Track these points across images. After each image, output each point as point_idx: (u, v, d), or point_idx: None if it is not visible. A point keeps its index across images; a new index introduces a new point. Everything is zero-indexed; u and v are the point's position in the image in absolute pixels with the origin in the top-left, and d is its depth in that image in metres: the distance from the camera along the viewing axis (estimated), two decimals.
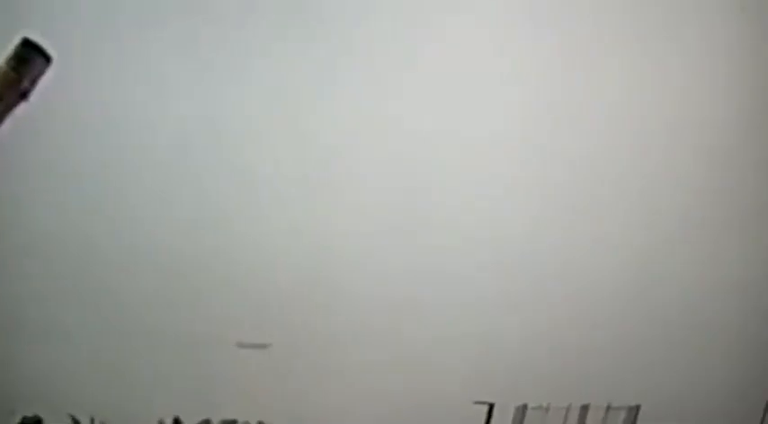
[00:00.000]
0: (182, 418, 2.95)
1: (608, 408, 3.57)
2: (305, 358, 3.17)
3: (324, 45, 2.89)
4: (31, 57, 1.28)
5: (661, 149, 3.15)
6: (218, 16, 2.80)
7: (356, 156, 3.05)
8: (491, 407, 3.39)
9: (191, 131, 2.93)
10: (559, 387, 3.48)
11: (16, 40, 1.27)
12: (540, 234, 3.25)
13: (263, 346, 3.20)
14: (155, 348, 2.99)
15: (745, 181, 3.31)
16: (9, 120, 1.28)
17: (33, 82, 1.29)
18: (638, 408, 3.59)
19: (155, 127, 2.88)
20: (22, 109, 1.26)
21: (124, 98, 2.83)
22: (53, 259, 2.85)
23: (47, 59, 1.30)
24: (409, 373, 3.31)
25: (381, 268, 3.14)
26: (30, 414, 2.84)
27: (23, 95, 1.28)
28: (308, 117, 2.97)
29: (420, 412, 3.32)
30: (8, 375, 2.87)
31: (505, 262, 3.26)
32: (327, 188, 3.03)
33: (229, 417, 3.04)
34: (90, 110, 2.82)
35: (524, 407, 3.46)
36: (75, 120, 2.86)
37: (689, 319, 3.58)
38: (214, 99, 2.86)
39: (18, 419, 2.85)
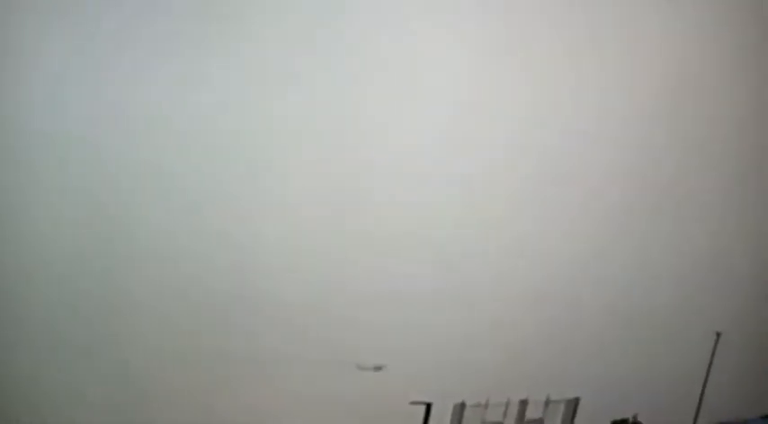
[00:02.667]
0: None
1: (547, 401, 3.51)
2: (239, 361, 2.99)
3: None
4: None
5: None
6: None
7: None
8: (428, 406, 3.28)
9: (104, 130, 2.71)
10: (498, 383, 3.39)
11: None
12: (472, 233, 3.15)
13: (379, 368, 3.16)
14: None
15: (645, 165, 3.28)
16: None
17: None
18: (577, 400, 3.55)
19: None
20: None
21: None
22: None
23: None
24: (345, 375, 3.17)
25: (312, 267, 2.98)
26: None
27: None
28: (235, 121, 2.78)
29: (356, 415, 3.19)
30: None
31: (440, 261, 3.15)
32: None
33: None
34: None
35: (462, 405, 3.37)
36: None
37: (624, 313, 3.55)
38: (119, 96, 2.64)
39: None
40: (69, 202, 2.66)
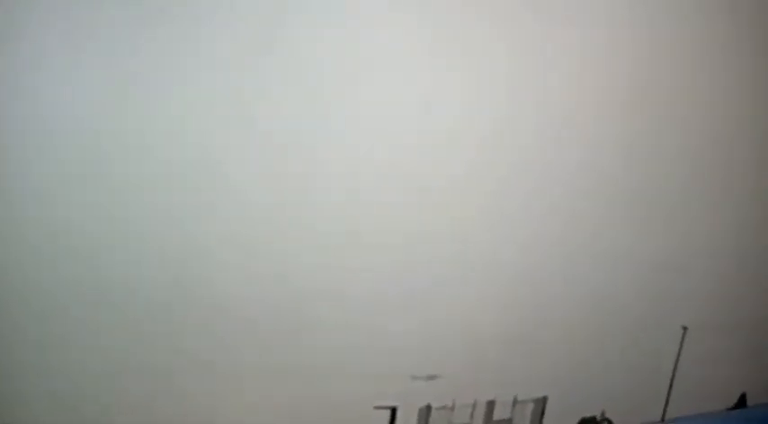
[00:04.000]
0: None
1: (515, 401, 3.45)
2: (198, 363, 2.86)
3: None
4: None
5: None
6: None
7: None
8: (393, 410, 3.19)
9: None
10: (464, 385, 3.32)
11: None
12: (435, 233, 3.06)
13: (432, 377, 3.16)
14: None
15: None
16: None
17: None
18: (545, 399, 3.51)
19: None
20: None
21: None
22: None
23: None
24: (306, 379, 3.06)
25: (274, 268, 2.86)
26: None
27: None
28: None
29: (319, 421, 3.08)
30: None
31: (401, 261, 3.05)
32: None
33: None
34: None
35: (428, 407, 3.29)
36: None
37: (591, 310, 3.50)
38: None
39: None
40: None
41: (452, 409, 3.30)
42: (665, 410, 3.85)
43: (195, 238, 2.66)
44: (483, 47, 2.92)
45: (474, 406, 3.35)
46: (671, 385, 3.82)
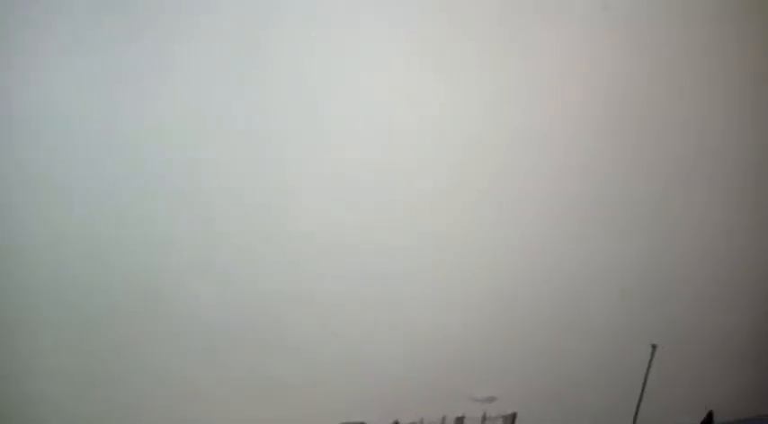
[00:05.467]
0: None
1: (484, 418, 3.44)
2: (157, 376, 2.81)
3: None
4: None
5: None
6: None
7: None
8: None
9: None
10: (433, 401, 3.30)
11: None
12: (400, 243, 3.03)
13: (492, 399, 3.18)
14: None
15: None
16: None
17: None
18: (514, 416, 3.50)
19: None
20: None
21: None
22: None
23: None
24: (271, 396, 3.01)
25: (233, 281, 2.82)
26: None
27: None
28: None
29: None
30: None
31: (367, 271, 3.02)
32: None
33: None
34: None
35: None
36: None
37: (560, 327, 3.50)
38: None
39: None
40: None
41: None
42: None
43: (159, 240, 2.62)
44: (463, 58, 2.91)
45: (443, 422, 3.33)
46: (639, 403, 3.81)
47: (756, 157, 3.71)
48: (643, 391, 3.80)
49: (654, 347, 3.72)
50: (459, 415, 3.40)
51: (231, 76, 2.59)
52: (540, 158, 3.22)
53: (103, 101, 2.42)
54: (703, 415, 4.05)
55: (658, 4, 3.24)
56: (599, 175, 3.37)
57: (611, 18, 3.17)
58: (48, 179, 2.44)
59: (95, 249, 2.63)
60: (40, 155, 2.43)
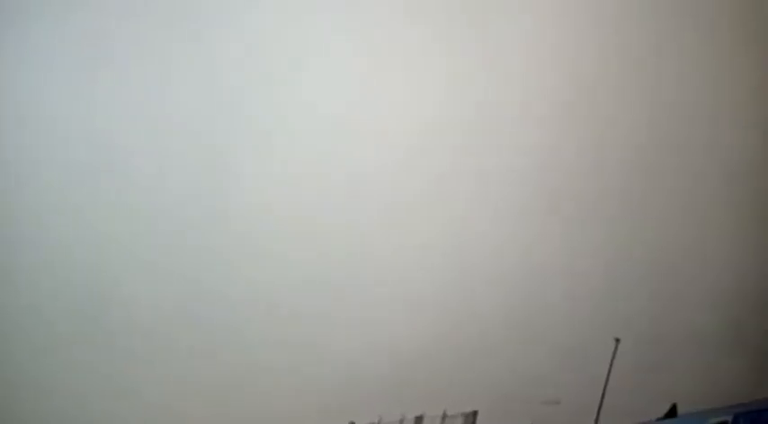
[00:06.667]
0: None
1: (444, 416, 3.36)
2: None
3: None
4: None
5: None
6: None
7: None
8: None
9: None
10: (391, 401, 3.20)
11: None
12: (356, 236, 2.93)
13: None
14: None
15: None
16: None
17: None
18: (475, 413, 3.43)
19: None
20: None
21: None
22: None
23: None
24: (224, 399, 2.90)
25: (176, 274, 2.69)
26: None
27: None
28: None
29: None
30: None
31: (320, 268, 2.91)
32: None
33: None
34: None
35: None
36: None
37: (521, 322, 3.43)
38: None
39: None
40: None
41: None
42: (596, 422, 3.81)
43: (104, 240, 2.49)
44: (420, 44, 2.81)
45: (402, 422, 3.25)
46: (602, 397, 3.78)
47: (725, 146, 3.67)
48: (606, 385, 3.77)
49: (617, 340, 3.69)
50: (419, 414, 3.31)
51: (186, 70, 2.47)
52: (501, 151, 3.14)
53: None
54: (667, 408, 4.04)
55: None
56: (560, 168, 3.30)
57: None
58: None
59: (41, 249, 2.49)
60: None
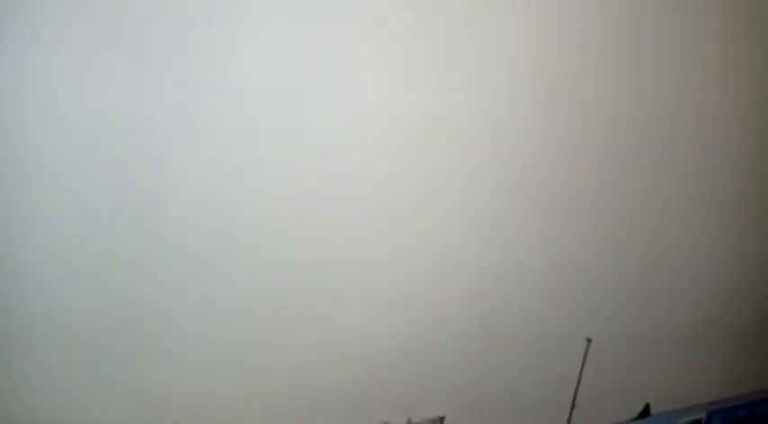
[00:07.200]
0: None
1: (409, 422, 3.23)
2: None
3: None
4: None
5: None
6: None
7: None
8: None
9: None
10: (354, 407, 3.07)
11: None
12: (313, 238, 2.78)
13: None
14: None
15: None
16: None
17: None
18: (441, 419, 3.30)
19: None
20: None
21: None
22: None
23: None
24: (173, 403, 2.74)
25: (109, 277, 2.51)
26: None
27: None
28: None
29: None
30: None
31: (275, 271, 2.75)
32: None
33: None
34: None
35: None
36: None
37: (489, 322, 3.31)
38: None
39: None
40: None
41: None
42: (568, 423, 3.74)
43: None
44: (403, 31, 2.65)
45: None
46: (575, 398, 3.71)
47: (705, 145, 3.60)
48: (578, 385, 3.70)
49: (589, 341, 3.62)
50: (384, 421, 3.18)
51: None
52: (486, 151, 3.01)
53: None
54: (640, 408, 4.01)
55: None
56: (541, 167, 3.19)
57: None
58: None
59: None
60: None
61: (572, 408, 3.72)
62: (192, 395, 2.67)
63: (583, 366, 3.65)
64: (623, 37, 3.15)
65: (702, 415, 4.19)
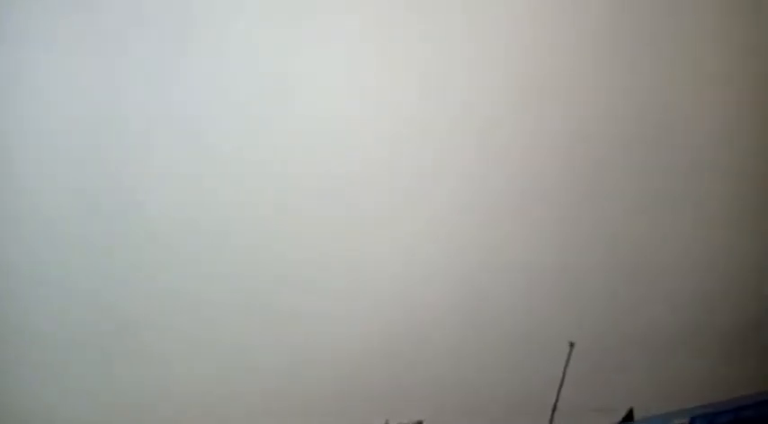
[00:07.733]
0: None
1: None
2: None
3: None
4: None
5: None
6: None
7: None
8: None
9: None
10: (332, 412, 3.01)
11: None
12: (292, 238, 2.73)
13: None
14: None
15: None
16: None
17: None
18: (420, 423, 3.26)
19: None
20: None
21: None
22: None
23: None
24: (150, 406, 2.68)
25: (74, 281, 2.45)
26: None
27: None
28: None
29: None
30: None
31: (248, 272, 2.70)
32: None
33: None
34: None
35: None
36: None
37: (470, 326, 3.26)
38: None
39: None
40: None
41: None
42: None
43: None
44: (403, 28, 2.60)
45: None
46: (556, 402, 3.67)
47: (692, 146, 3.54)
48: (560, 389, 3.66)
49: (572, 344, 3.58)
50: None
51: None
52: (464, 151, 2.96)
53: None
54: (623, 413, 3.97)
55: None
56: (531, 168, 3.14)
57: None
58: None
59: None
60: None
61: (553, 410, 3.69)
62: (181, 395, 2.64)
63: (565, 369, 3.60)
64: (619, 38, 3.12)
65: (686, 420, 4.16)
